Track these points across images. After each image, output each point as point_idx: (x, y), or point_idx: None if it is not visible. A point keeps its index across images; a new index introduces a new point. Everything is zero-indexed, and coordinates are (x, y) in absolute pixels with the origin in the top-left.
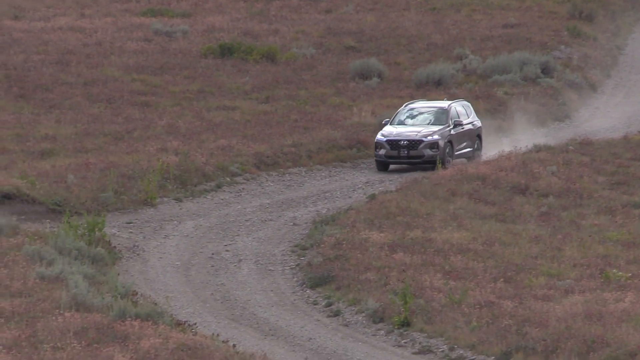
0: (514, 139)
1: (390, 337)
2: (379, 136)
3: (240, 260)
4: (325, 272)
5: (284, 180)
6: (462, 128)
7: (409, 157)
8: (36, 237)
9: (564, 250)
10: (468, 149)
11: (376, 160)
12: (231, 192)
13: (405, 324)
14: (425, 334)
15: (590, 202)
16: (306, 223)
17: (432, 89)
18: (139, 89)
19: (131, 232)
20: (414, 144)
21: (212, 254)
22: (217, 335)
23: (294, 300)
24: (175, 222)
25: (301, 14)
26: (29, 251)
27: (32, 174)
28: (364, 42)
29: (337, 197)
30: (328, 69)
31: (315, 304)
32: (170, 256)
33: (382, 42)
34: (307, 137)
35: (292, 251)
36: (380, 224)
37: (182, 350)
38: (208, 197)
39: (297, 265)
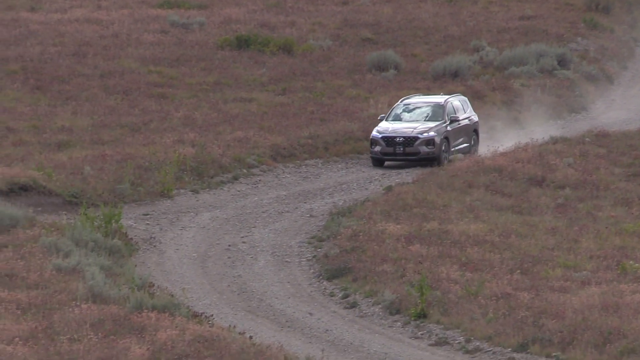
0: (531, 130)
1: (406, 328)
2: (374, 132)
3: (257, 252)
4: (342, 263)
5: (300, 172)
6: (459, 124)
7: (404, 154)
8: (53, 229)
9: (581, 242)
10: (464, 145)
11: (371, 157)
12: (248, 184)
13: (422, 315)
14: (442, 326)
15: (607, 194)
16: (323, 215)
17: (448, 80)
18: (155, 81)
19: (148, 224)
20: (409, 140)
21: (229, 245)
22: (234, 327)
23: (311, 292)
24: (192, 213)
25: (318, 6)
26: (46, 243)
27: (48, 165)
28: (380, 33)
29: (353, 188)
30: (345, 61)
31: (331, 296)
32: (187, 248)
33: (399, 33)
34: (323, 129)
35: (309, 243)
36: (396, 215)
37: (198, 341)
38: (225, 188)
39: (314, 257)
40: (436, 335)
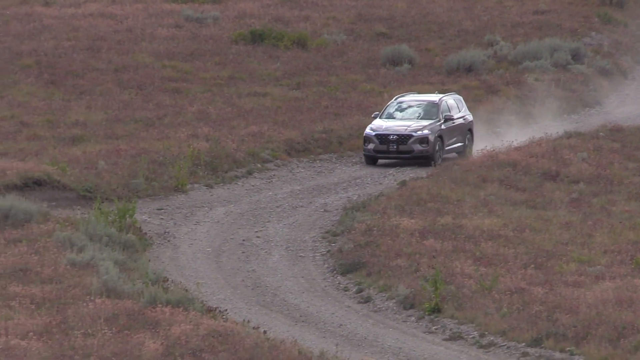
0: (544, 125)
1: (420, 323)
2: (367, 130)
3: (271, 247)
4: (356, 258)
5: (314, 166)
6: (453, 122)
7: (398, 152)
8: (67, 224)
9: (595, 237)
10: (459, 144)
11: (364, 155)
12: (262, 179)
13: (436, 310)
14: (456, 321)
15: (621, 189)
16: (337, 209)
17: (462, 75)
18: (169, 76)
19: (162, 219)
20: (403, 138)
21: (243, 240)
22: (248, 321)
23: (325, 286)
24: (206, 208)
25: (332, 0)
26: (60, 237)
27: (62, 160)
28: (394, 28)
29: (367, 183)
30: (359, 56)
31: (345, 291)
32: (201, 242)
33: (413, 28)
34: (337, 124)
35: (323, 237)
36: (410, 210)
37: (212, 336)
38: (239, 183)
39: (328, 251)
40: (450, 329)
